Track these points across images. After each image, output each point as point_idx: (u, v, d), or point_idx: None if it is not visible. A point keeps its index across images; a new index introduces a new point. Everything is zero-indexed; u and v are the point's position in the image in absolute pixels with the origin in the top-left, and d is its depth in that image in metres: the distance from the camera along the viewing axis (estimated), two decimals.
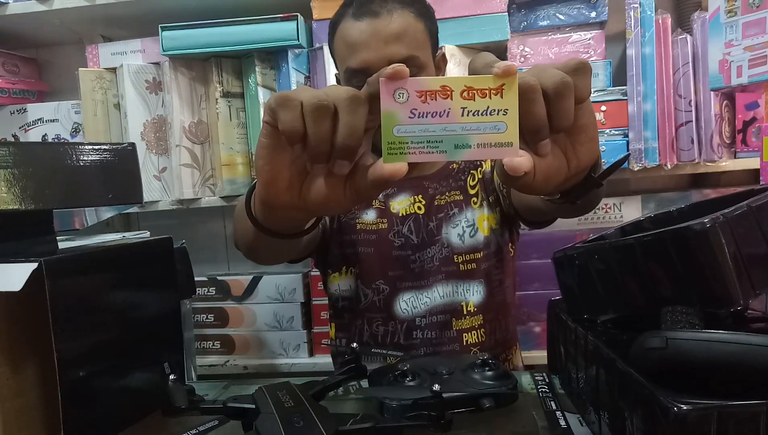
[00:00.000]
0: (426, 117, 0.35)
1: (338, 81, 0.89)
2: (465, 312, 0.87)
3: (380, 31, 0.77)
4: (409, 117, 0.35)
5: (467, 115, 0.35)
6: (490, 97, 0.35)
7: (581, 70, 0.37)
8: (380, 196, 0.91)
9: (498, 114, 0.35)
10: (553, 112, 0.36)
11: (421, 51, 0.81)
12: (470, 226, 0.88)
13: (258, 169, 0.40)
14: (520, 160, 0.36)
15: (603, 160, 0.48)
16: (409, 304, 0.87)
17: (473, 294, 0.87)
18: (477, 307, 0.87)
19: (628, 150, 1.14)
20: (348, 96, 0.36)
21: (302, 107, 0.37)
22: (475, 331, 0.87)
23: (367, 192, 0.38)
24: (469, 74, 0.38)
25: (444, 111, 0.35)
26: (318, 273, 1.04)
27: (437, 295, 0.86)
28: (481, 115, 0.35)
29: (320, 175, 0.39)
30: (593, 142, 0.40)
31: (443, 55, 0.91)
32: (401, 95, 0.35)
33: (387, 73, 0.34)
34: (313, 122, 0.36)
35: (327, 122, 0.36)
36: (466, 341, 0.86)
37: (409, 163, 0.36)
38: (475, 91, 0.35)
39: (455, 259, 0.87)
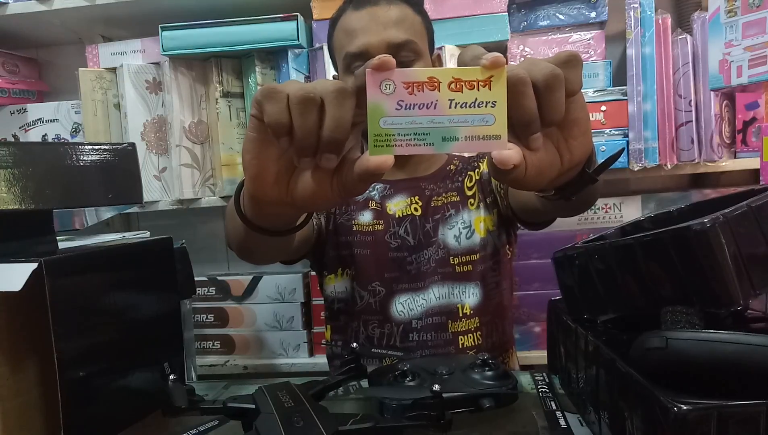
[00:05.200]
0: (413, 109, 0.34)
1: None
2: (461, 314, 0.86)
3: (380, 16, 0.81)
4: (396, 109, 0.34)
5: (455, 107, 0.34)
6: (478, 89, 0.34)
7: (572, 62, 0.37)
8: (377, 197, 0.91)
9: (486, 106, 0.34)
10: (543, 104, 0.36)
11: (419, 39, 0.83)
12: (467, 227, 0.88)
13: (245, 164, 0.40)
14: (509, 153, 0.35)
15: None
16: (405, 306, 0.86)
17: (469, 296, 0.87)
18: (473, 310, 0.86)
19: (627, 148, 1.14)
20: (335, 88, 0.35)
21: (289, 100, 0.36)
22: (471, 334, 0.86)
23: (353, 186, 0.37)
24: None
25: (431, 103, 0.34)
26: None
27: (433, 296, 0.86)
28: (469, 107, 0.34)
29: (307, 169, 0.39)
30: (586, 136, 0.39)
31: (438, 56, 0.92)
32: (388, 86, 0.34)
33: (373, 64, 0.34)
34: (299, 115, 0.36)
35: (313, 115, 0.36)
36: (462, 344, 0.86)
37: (397, 156, 0.35)
38: (462, 83, 0.34)
39: (451, 260, 0.86)
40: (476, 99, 0.34)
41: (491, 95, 0.34)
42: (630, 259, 0.46)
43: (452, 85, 0.34)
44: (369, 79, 0.34)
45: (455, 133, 0.35)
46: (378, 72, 0.34)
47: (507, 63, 0.35)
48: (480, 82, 0.34)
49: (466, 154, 0.99)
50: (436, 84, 0.34)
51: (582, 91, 0.39)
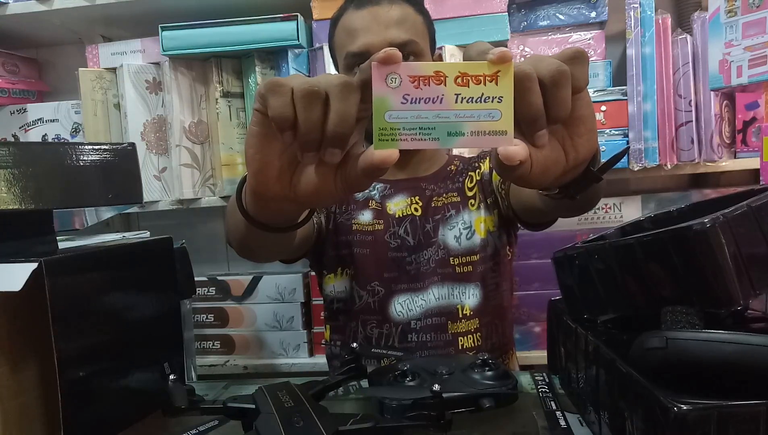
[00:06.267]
0: (419, 103, 0.34)
1: None
2: (461, 315, 0.86)
3: (381, 16, 0.81)
4: (402, 102, 0.34)
5: (461, 102, 0.34)
6: (485, 84, 0.34)
7: (578, 58, 0.36)
8: (377, 196, 0.91)
9: (492, 101, 0.34)
10: (549, 101, 0.35)
11: (420, 39, 0.83)
12: (467, 228, 0.87)
13: (248, 159, 0.39)
14: (515, 148, 0.35)
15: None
16: (404, 306, 0.86)
17: (469, 297, 0.86)
18: (473, 311, 0.86)
19: (628, 146, 1.14)
20: (339, 82, 0.35)
21: (293, 94, 0.36)
22: (470, 335, 0.86)
23: (357, 181, 0.37)
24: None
25: (437, 97, 0.34)
26: None
27: (432, 297, 0.86)
28: (476, 102, 0.34)
29: (311, 163, 0.38)
30: (592, 134, 0.39)
31: (439, 56, 0.92)
32: (394, 80, 0.34)
33: (379, 57, 0.34)
34: (303, 108, 0.35)
35: (317, 109, 0.35)
36: (462, 345, 0.85)
37: (402, 151, 0.35)
38: (469, 78, 0.34)
39: (451, 261, 0.86)
40: (483, 94, 0.34)
41: (498, 90, 0.34)
42: (630, 259, 0.46)
43: (459, 80, 0.34)
44: (375, 73, 0.34)
45: (461, 128, 0.34)
46: (384, 65, 0.34)
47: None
48: (487, 77, 0.34)
49: (466, 155, 0.99)
50: (442, 78, 0.34)
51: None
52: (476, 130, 0.35)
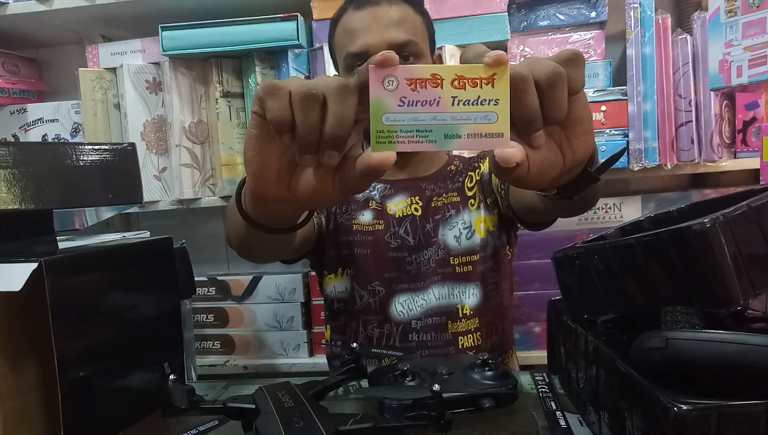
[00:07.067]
0: (416, 105, 0.34)
1: None
2: (461, 315, 0.86)
3: (381, 16, 0.81)
4: (399, 105, 0.34)
5: (457, 105, 0.34)
6: (481, 87, 0.34)
7: (574, 61, 0.37)
8: (377, 196, 0.91)
9: (489, 104, 0.34)
10: (546, 103, 0.36)
11: (420, 39, 0.83)
12: (467, 228, 0.87)
13: (247, 161, 0.40)
14: (512, 150, 0.35)
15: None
16: (404, 306, 0.86)
17: (469, 296, 0.87)
18: (473, 310, 0.86)
19: (627, 148, 1.14)
20: (337, 85, 0.35)
21: (291, 96, 0.36)
22: (471, 335, 0.86)
23: (355, 183, 0.37)
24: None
25: (434, 100, 0.34)
26: None
27: (432, 296, 0.86)
28: (472, 104, 0.34)
29: (309, 166, 0.39)
30: (588, 135, 0.39)
31: (439, 56, 0.92)
32: (391, 83, 0.34)
33: (376, 60, 0.34)
34: (301, 111, 0.36)
35: (315, 111, 0.36)
36: (462, 344, 0.86)
37: (399, 154, 0.35)
38: (465, 80, 0.34)
39: (451, 260, 0.86)
40: (479, 96, 0.34)
41: (494, 93, 0.34)
42: (630, 259, 0.46)
43: (455, 83, 0.34)
44: (372, 76, 0.34)
45: (458, 130, 0.35)
46: (381, 68, 0.34)
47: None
48: (483, 80, 0.34)
49: (466, 155, 0.99)
50: (439, 81, 0.34)
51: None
52: (473, 132, 0.35)
